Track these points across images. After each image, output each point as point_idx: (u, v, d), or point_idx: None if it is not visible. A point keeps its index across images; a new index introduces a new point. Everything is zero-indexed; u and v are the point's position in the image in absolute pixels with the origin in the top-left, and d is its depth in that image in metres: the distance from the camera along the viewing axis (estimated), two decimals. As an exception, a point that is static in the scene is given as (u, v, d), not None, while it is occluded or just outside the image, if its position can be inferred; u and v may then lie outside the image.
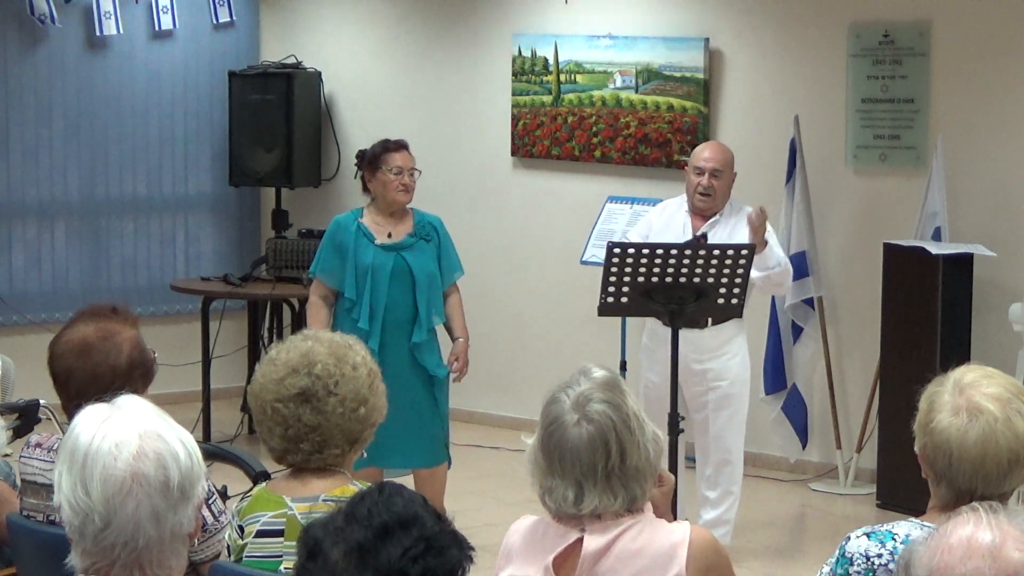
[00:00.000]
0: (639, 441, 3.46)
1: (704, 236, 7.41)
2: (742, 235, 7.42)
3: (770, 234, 7.47)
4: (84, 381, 4.17)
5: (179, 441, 2.73)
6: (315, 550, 2.54)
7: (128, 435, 2.70)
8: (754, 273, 7.24)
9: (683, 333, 7.20)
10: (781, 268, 7.50)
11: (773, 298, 8.72)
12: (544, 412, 3.50)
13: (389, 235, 7.58)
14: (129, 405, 2.78)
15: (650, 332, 7.71)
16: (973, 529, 2.21)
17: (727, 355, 7.56)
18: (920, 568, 2.21)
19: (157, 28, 10.84)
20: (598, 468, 3.41)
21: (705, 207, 7.58)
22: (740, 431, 7.68)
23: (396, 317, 7.51)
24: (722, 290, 6.96)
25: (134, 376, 4.22)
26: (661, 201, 8.65)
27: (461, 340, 7.61)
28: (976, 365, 3.39)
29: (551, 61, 10.06)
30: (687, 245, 7.08)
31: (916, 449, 3.33)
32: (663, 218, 7.77)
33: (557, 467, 3.44)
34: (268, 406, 3.88)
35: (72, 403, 4.10)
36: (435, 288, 7.56)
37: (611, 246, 7.06)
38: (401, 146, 7.75)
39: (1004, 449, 3.23)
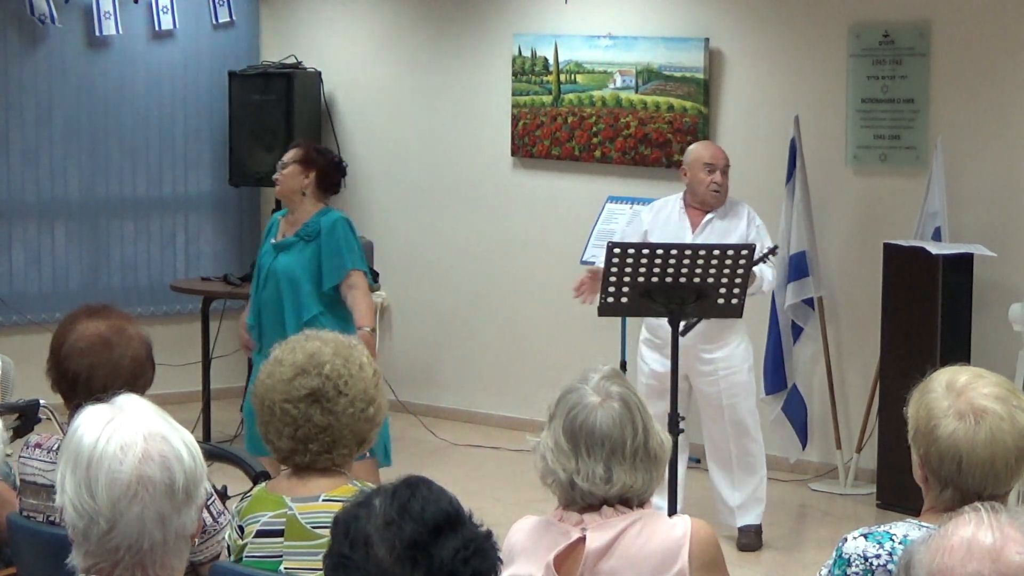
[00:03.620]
0: (654, 425, 3.57)
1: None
2: (739, 230, 7.73)
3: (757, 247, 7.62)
4: (109, 373, 4.19)
5: (183, 443, 2.73)
6: (357, 541, 2.52)
7: (133, 437, 2.69)
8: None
9: None
10: (767, 284, 7.76)
11: (773, 298, 8.72)
12: (562, 402, 3.56)
13: (284, 234, 7.49)
14: (131, 406, 2.77)
15: (654, 326, 7.76)
16: (974, 531, 2.20)
17: (732, 343, 7.73)
18: (920, 569, 2.21)
19: (157, 28, 10.83)
20: (627, 444, 3.49)
21: (716, 202, 7.80)
22: (756, 414, 7.88)
23: (270, 315, 7.40)
24: (722, 290, 6.99)
25: (148, 368, 4.27)
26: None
27: (362, 330, 7.20)
28: (960, 366, 3.39)
29: (551, 61, 10.06)
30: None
31: (916, 457, 3.32)
32: (660, 217, 7.86)
33: (584, 448, 3.49)
34: (276, 407, 3.86)
35: (92, 400, 4.11)
36: (301, 287, 7.32)
37: (611, 246, 7.07)
38: (291, 146, 7.76)
39: (1012, 448, 3.24)
